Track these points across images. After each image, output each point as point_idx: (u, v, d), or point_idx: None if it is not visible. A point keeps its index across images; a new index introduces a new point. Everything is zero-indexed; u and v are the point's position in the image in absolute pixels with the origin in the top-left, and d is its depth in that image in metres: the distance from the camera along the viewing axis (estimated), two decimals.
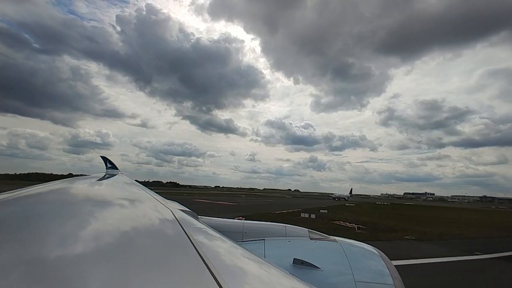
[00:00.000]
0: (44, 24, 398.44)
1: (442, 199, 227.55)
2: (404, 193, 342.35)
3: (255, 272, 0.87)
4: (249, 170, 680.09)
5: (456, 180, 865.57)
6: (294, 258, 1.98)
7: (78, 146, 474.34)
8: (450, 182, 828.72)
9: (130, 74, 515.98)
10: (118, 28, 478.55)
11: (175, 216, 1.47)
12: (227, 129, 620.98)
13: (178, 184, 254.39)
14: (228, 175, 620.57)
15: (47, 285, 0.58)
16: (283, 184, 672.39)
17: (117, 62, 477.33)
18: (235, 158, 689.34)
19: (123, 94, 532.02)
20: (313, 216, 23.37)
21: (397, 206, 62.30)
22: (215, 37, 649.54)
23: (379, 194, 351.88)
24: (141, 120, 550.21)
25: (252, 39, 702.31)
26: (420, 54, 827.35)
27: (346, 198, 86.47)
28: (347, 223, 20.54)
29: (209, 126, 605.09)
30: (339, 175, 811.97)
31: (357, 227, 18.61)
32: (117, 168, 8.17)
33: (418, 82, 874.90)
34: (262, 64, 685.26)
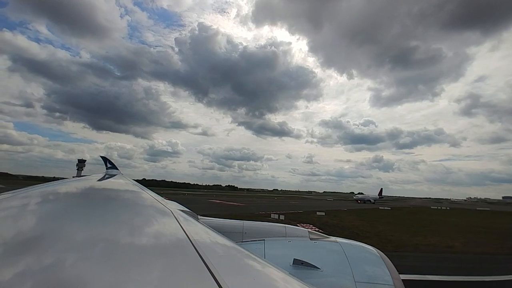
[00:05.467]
0: (122, 55, 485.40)
1: None
2: (503, 197, 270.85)
3: (255, 273, 0.87)
4: (308, 173, 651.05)
5: None
6: (294, 259, 1.99)
7: (154, 155, 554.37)
8: None
9: (190, 88, 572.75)
10: (177, 49, 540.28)
11: (175, 217, 1.46)
12: (281, 132, 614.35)
13: (236, 187, 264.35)
14: (286, 178, 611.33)
15: (47, 284, 0.58)
16: (346, 187, 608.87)
17: (178, 79, 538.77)
18: (292, 160, 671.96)
19: (185, 107, 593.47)
20: (282, 217, 22.68)
21: (456, 212, 49.93)
22: (262, 43, 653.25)
23: (465, 198, 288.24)
24: (202, 129, 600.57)
25: (298, 39, 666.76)
26: (509, 23, 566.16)
27: (372, 201, 70.12)
28: (311, 228, 17.86)
29: (263, 130, 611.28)
30: (412, 176, 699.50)
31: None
32: (117, 168, 8.04)
33: None
34: (311, 63, 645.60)
